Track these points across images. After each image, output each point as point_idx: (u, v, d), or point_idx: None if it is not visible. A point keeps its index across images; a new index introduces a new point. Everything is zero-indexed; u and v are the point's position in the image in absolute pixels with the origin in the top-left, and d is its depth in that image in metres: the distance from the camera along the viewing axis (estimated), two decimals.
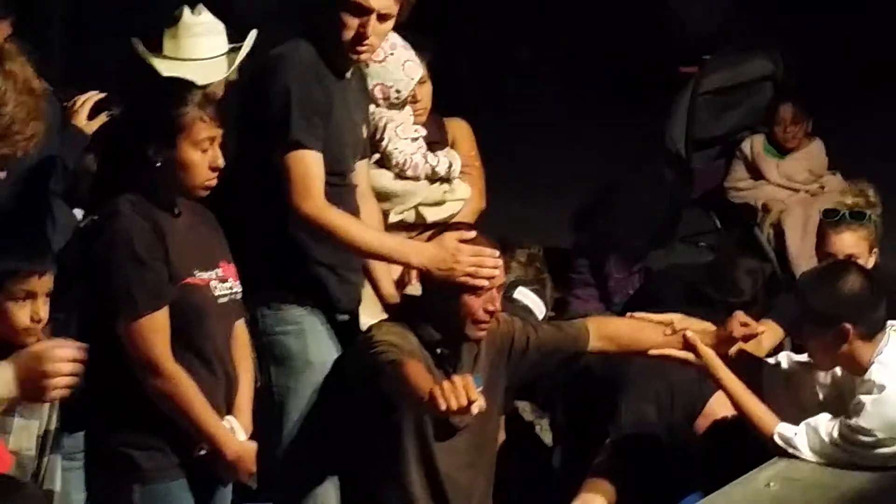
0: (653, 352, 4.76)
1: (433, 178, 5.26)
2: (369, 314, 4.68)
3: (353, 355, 4.46)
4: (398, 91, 5.12)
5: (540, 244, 6.55)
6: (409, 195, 5.20)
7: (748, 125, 8.39)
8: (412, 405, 4.20)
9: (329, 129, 4.39)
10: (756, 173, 8.09)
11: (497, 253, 4.42)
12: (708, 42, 9.53)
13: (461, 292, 4.35)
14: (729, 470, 4.66)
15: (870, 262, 5.43)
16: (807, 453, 4.60)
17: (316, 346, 4.50)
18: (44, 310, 4.01)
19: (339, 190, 4.46)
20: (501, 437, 5.19)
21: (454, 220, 5.18)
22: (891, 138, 10.10)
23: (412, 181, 5.20)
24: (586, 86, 12.15)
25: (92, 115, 4.91)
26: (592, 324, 4.77)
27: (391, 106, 5.15)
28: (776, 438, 4.62)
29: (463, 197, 5.37)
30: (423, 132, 5.29)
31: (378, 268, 4.67)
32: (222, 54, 5.12)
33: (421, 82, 5.22)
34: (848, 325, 4.55)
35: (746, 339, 4.79)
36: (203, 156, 3.98)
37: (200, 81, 4.34)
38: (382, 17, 4.38)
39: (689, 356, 4.73)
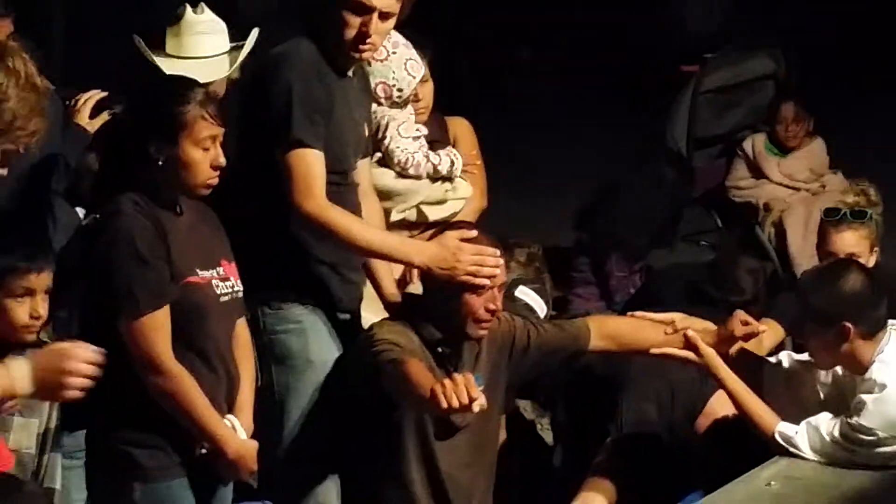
0: (654, 351, 4.76)
1: (435, 176, 5.26)
2: (371, 311, 4.68)
3: (354, 354, 4.46)
4: (400, 90, 5.12)
5: (540, 243, 6.56)
6: (410, 194, 5.20)
7: (749, 124, 8.39)
8: (413, 404, 4.20)
9: (330, 127, 4.39)
10: (757, 172, 8.10)
11: (498, 252, 4.42)
12: (709, 41, 9.53)
13: (462, 291, 4.35)
14: (730, 469, 4.66)
15: (871, 261, 5.43)
16: (808, 452, 4.60)
17: (317, 345, 4.50)
18: (43, 307, 4.02)
19: (341, 189, 4.46)
20: (502, 436, 5.19)
21: (456, 218, 5.18)
22: (892, 137, 10.09)
23: (414, 180, 5.20)
24: (587, 86, 12.14)
25: (94, 114, 4.92)
26: (593, 323, 4.77)
27: (393, 105, 5.15)
28: (777, 437, 4.62)
29: (464, 196, 5.37)
30: (425, 131, 5.28)
31: (379, 267, 4.67)
32: (224, 52, 5.12)
33: (423, 81, 5.22)
34: (849, 324, 4.55)
35: (747, 338, 4.80)
36: (205, 154, 3.97)
37: (202, 80, 4.35)
38: (384, 16, 4.38)
39: (690, 355, 4.73)
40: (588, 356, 4.82)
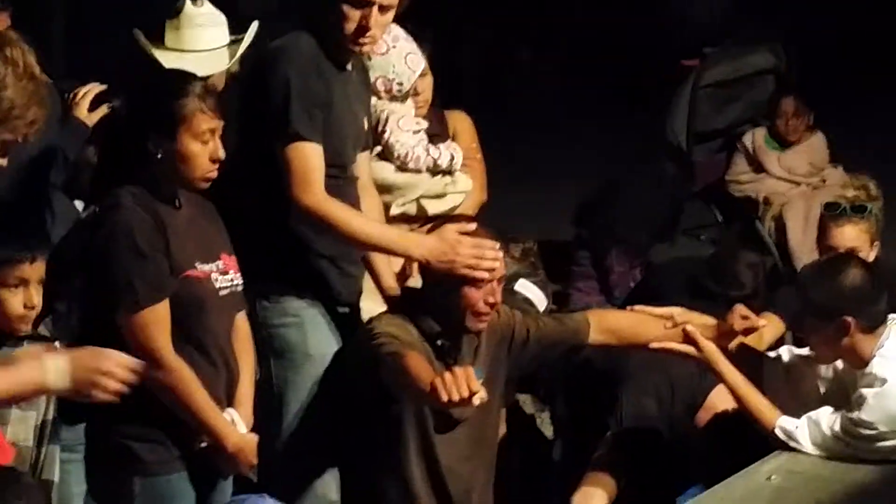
0: (653, 345, 4.75)
1: (435, 170, 5.25)
2: (372, 302, 4.67)
3: (353, 347, 4.46)
4: (400, 84, 5.12)
5: (536, 238, 6.55)
6: (410, 188, 5.20)
7: (749, 118, 8.40)
8: (413, 397, 4.20)
9: (330, 121, 4.38)
10: (757, 166, 8.10)
11: (497, 245, 4.42)
12: (710, 35, 9.53)
13: (462, 284, 4.35)
14: (730, 463, 4.65)
15: (871, 256, 5.43)
16: (808, 447, 4.59)
17: (316, 339, 4.50)
18: (37, 297, 4.03)
19: (340, 182, 4.45)
20: (502, 429, 5.19)
21: (456, 212, 5.18)
22: (892, 132, 10.09)
23: (414, 174, 5.20)
24: (586, 85, 12.15)
25: (93, 107, 4.92)
26: (593, 316, 4.76)
27: (393, 98, 5.15)
28: (777, 432, 4.62)
29: (464, 189, 5.37)
30: (425, 125, 5.28)
31: (379, 260, 4.67)
32: (223, 46, 5.12)
33: (422, 75, 5.22)
34: (849, 319, 4.55)
35: (747, 332, 4.79)
36: (203, 148, 3.97)
37: (201, 73, 4.34)
38: (383, 9, 4.37)
39: (690, 349, 4.72)
40: (588, 350, 4.81)
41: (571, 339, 4.67)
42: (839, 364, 4.73)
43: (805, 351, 4.83)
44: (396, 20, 4.60)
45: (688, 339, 4.71)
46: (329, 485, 4.52)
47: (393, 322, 4.37)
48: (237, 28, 5.18)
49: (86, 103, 4.90)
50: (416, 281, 4.69)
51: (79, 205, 4.69)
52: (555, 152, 10.55)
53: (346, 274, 4.55)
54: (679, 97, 8.42)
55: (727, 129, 8.44)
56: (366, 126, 4.69)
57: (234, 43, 5.11)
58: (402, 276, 4.82)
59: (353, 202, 4.49)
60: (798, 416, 4.63)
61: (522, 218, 7.54)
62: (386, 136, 5.13)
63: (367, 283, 4.69)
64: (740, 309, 4.81)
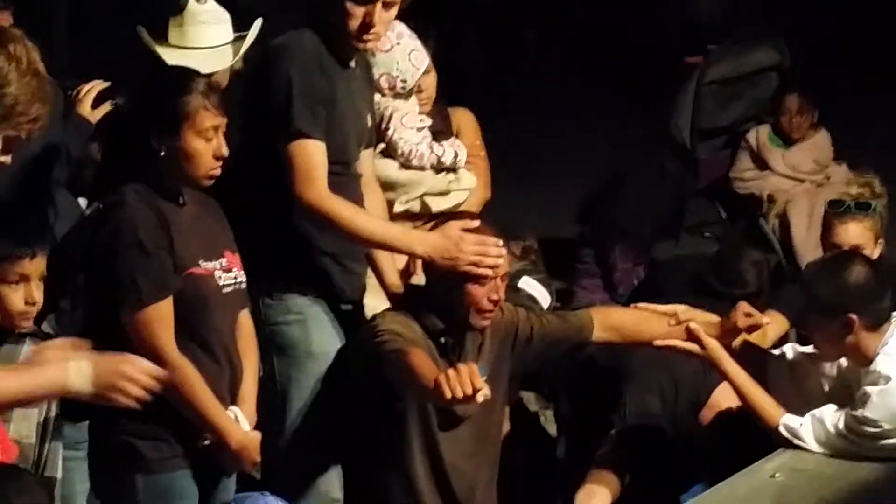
0: (657, 342, 4.75)
1: (438, 167, 5.25)
2: (377, 298, 4.67)
3: (356, 344, 4.45)
4: (404, 81, 5.11)
5: (544, 235, 6.55)
6: (414, 185, 5.19)
7: (753, 115, 8.38)
8: (416, 394, 4.19)
9: (332, 118, 4.38)
10: (761, 164, 8.08)
11: (501, 242, 4.42)
12: (714, 32, 9.52)
13: (465, 281, 4.34)
14: (734, 461, 4.65)
15: (875, 253, 5.42)
16: (812, 444, 4.58)
17: (319, 336, 4.50)
18: (38, 293, 4.02)
19: (343, 179, 4.45)
20: (506, 427, 5.18)
21: (459, 209, 5.18)
22: None
23: (417, 171, 5.19)
24: (587, 85, 12.15)
25: (96, 104, 4.91)
26: (597, 314, 4.76)
27: (397, 95, 5.15)
28: (781, 430, 4.61)
29: (468, 186, 5.37)
30: (429, 122, 5.28)
31: (382, 257, 4.66)
32: (227, 43, 5.10)
33: (426, 72, 5.22)
34: (853, 316, 4.54)
35: (751, 329, 4.78)
36: (207, 145, 3.97)
37: (205, 70, 4.33)
38: (387, 5, 4.37)
39: (694, 347, 4.71)
40: (591, 348, 4.81)
41: (575, 337, 4.67)
42: (843, 361, 4.73)
43: (809, 348, 4.82)
44: (400, 17, 4.60)
45: (691, 336, 4.71)
46: (332, 482, 4.52)
47: (396, 319, 4.37)
48: (239, 24, 5.17)
49: (89, 100, 4.90)
50: (419, 278, 4.68)
51: (82, 202, 4.69)
52: (558, 150, 10.54)
53: (350, 271, 4.55)
54: (683, 94, 8.40)
55: (731, 127, 8.42)
56: (369, 123, 4.69)
57: (238, 40, 5.10)
58: (406, 273, 4.81)
59: (357, 199, 4.49)
60: (802, 413, 4.63)
61: (526, 215, 7.53)
62: (389, 133, 5.13)
63: (371, 280, 4.69)
64: (744, 306, 4.80)
